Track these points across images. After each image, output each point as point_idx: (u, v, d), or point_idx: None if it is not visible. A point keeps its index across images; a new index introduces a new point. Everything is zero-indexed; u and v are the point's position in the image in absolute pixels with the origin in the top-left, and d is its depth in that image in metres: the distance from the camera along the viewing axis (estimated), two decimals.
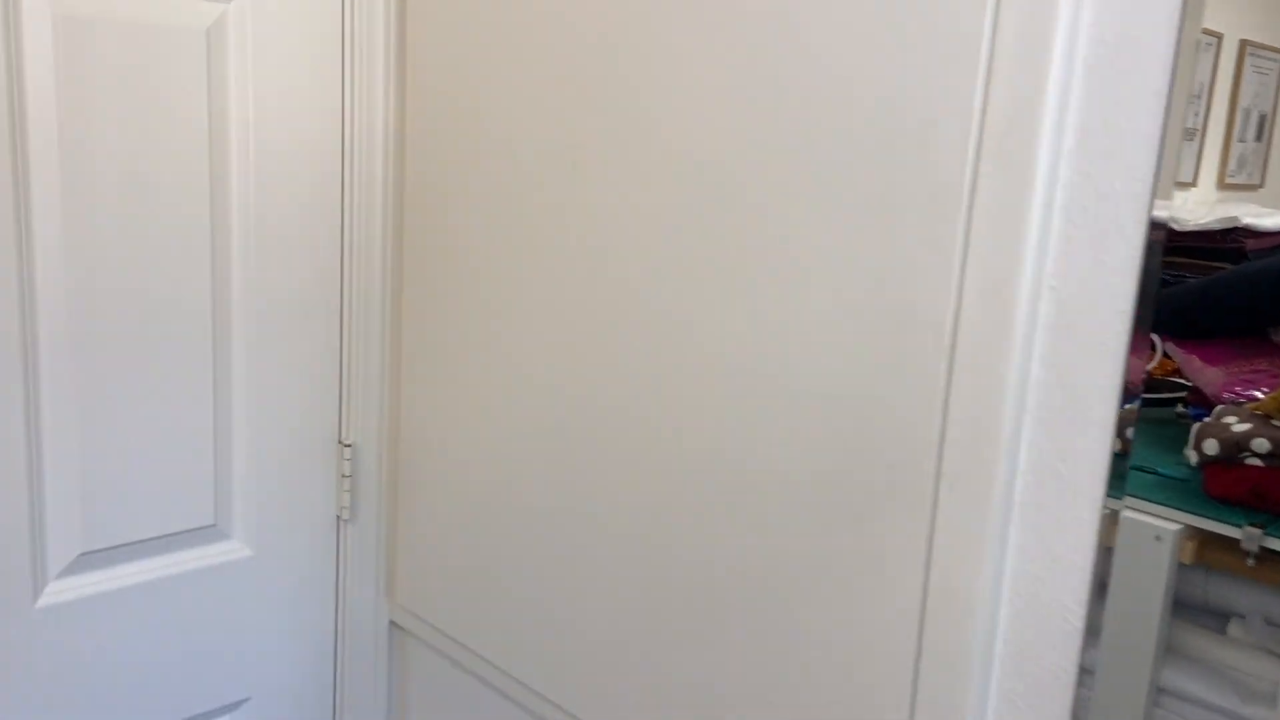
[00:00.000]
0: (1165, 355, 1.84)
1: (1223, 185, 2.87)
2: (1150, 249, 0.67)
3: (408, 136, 1.14)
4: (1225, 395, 1.68)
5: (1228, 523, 1.46)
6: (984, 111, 0.69)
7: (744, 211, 0.84)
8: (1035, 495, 0.71)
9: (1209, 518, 1.49)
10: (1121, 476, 0.72)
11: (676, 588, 0.93)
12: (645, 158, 0.91)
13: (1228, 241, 2.23)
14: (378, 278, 1.16)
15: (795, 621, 0.84)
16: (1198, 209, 2.40)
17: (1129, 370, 0.68)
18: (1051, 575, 0.71)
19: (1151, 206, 0.65)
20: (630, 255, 0.93)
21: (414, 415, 1.18)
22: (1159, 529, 1.53)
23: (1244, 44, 2.77)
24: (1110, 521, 0.73)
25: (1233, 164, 2.82)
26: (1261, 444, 1.45)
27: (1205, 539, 1.50)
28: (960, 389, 0.72)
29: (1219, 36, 2.71)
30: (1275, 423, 1.49)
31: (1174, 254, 2.17)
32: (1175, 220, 2.25)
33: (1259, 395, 1.64)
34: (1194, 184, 2.77)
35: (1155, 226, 0.68)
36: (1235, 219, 2.22)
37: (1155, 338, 1.80)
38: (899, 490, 0.76)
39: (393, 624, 1.26)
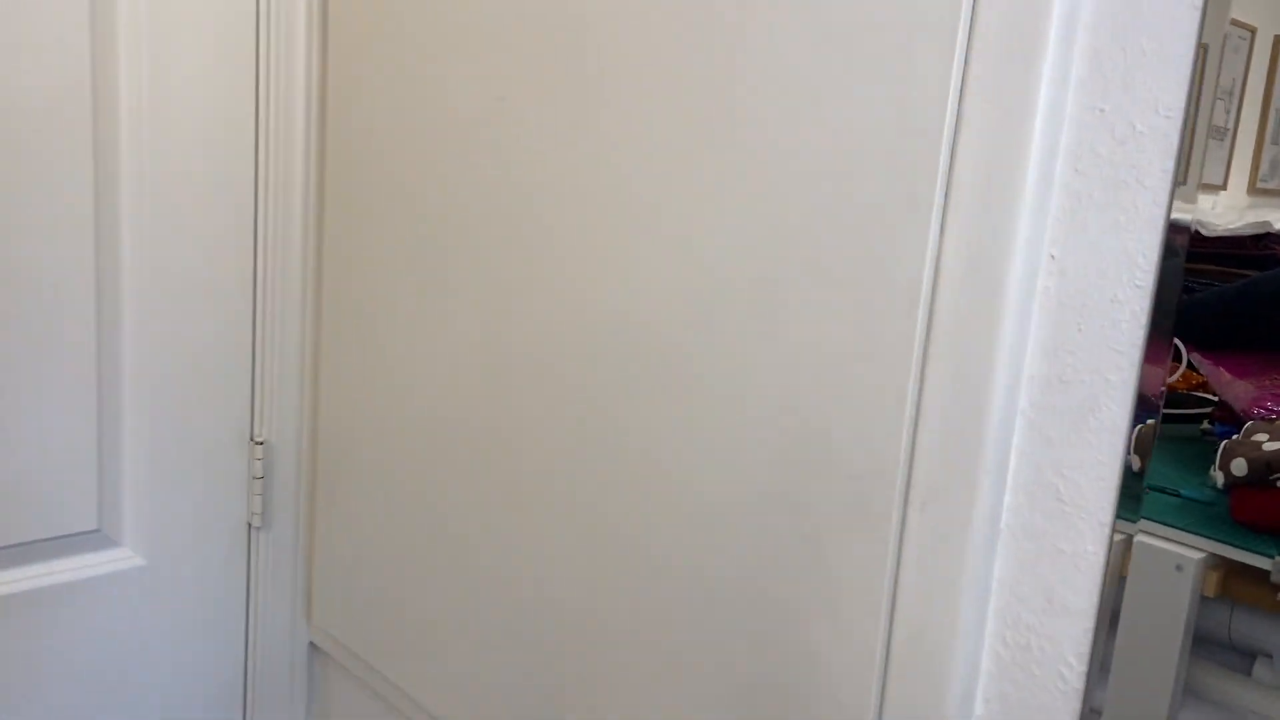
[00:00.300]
0: (1190, 366, 1.69)
1: (1253, 190, 2.70)
2: (1174, 216, 0.52)
3: (331, 92, 1.00)
4: (1256, 411, 1.52)
5: (1256, 552, 1.31)
6: (970, 29, 0.55)
7: (684, 182, 0.70)
8: (1027, 519, 0.57)
9: (1236, 546, 1.34)
10: (1137, 497, 0.59)
11: (606, 621, 0.79)
12: (585, 127, 0.77)
13: (1259, 248, 2.09)
14: (296, 254, 1.02)
15: (734, 664, 0.69)
16: (1227, 214, 2.25)
17: (1147, 364, 0.53)
18: (1046, 621, 0.56)
19: (1181, 152, 0.50)
20: (568, 238, 0.79)
21: (336, 411, 1.05)
22: (1180, 557, 1.38)
23: (1278, 40, 2.61)
24: (1124, 548, 0.59)
25: (1265, 168, 2.65)
26: None
27: (1231, 569, 1.35)
28: (936, 383, 0.58)
29: (1252, 31, 2.54)
30: None
31: (1201, 260, 2.03)
32: (1203, 224, 2.11)
33: None
34: (1223, 187, 2.61)
35: (1182, 188, 0.54)
36: (1268, 224, 2.07)
37: (1180, 346, 1.65)
38: (859, 508, 0.61)
39: (313, 646, 1.12)
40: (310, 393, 1.05)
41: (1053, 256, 0.55)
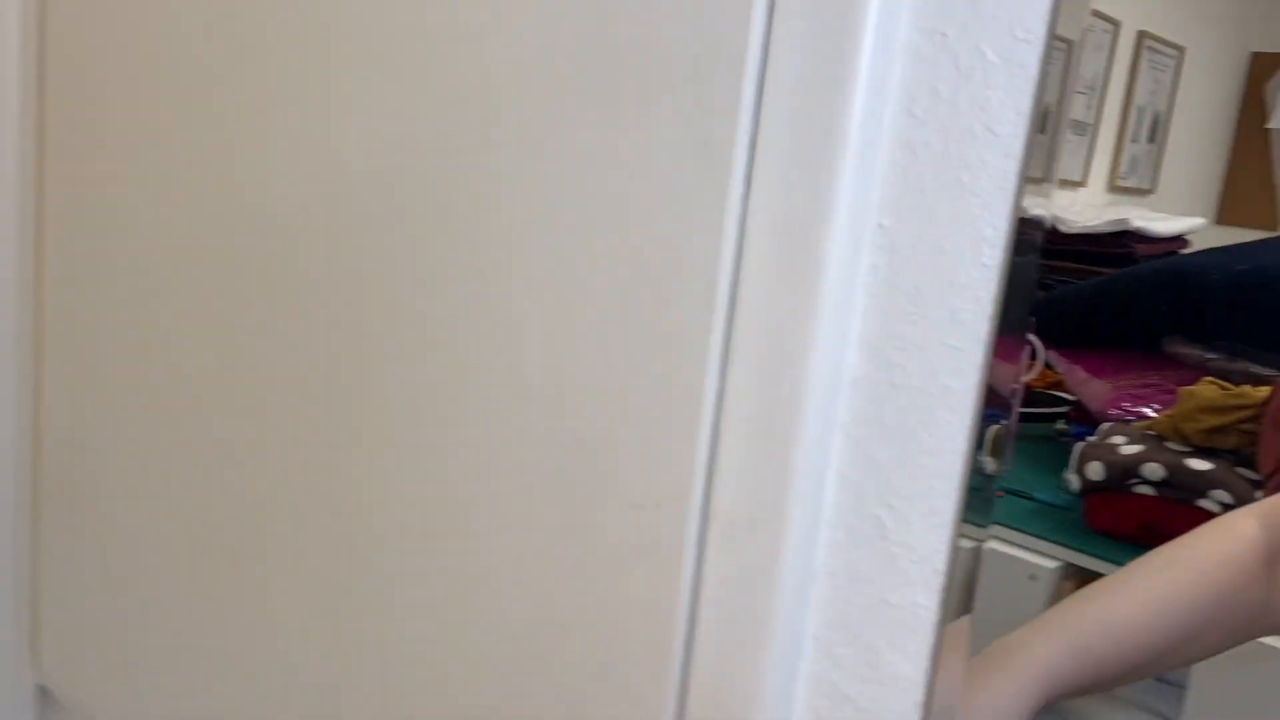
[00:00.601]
0: (1046, 364, 1.63)
1: (1113, 187, 2.72)
2: (1026, 161, 0.41)
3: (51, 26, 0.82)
4: (1112, 411, 1.47)
5: (1112, 561, 1.25)
6: None
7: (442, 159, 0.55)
8: (848, 561, 0.45)
9: (1091, 555, 1.27)
10: (987, 501, 0.48)
11: (351, 682, 0.64)
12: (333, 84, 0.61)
13: (1117, 246, 2.06)
14: (10, 222, 0.84)
15: None
16: (1086, 210, 2.23)
17: (998, 363, 0.42)
18: (867, 691, 0.44)
19: (1041, 84, 0.39)
20: (316, 218, 0.64)
21: (66, 408, 0.87)
22: (1034, 566, 1.31)
23: (1141, 36, 2.63)
24: (973, 558, 0.48)
25: (1125, 165, 2.67)
26: (1154, 470, 1.24)
27: (1087, 579, 1.29)
28: (738, 388, 0.45)
29: (1116, 24, 2.55)
30: (1170, 445, 1.28)
31: (1059, 257, 1.99)
32: (1061, 220, 2.07)
33: (1150, 413, 1.44)
34: (1083, 184, 2.60)
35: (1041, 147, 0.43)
36: (1125, 221, 2.04)
37: (1035, 342, 1.59)
38: (645, 543, 0.49)
39: (42, 691, 0.94)
40: (32, 387, 0.87)
41: (882, 226, 0.43)
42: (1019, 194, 0.39)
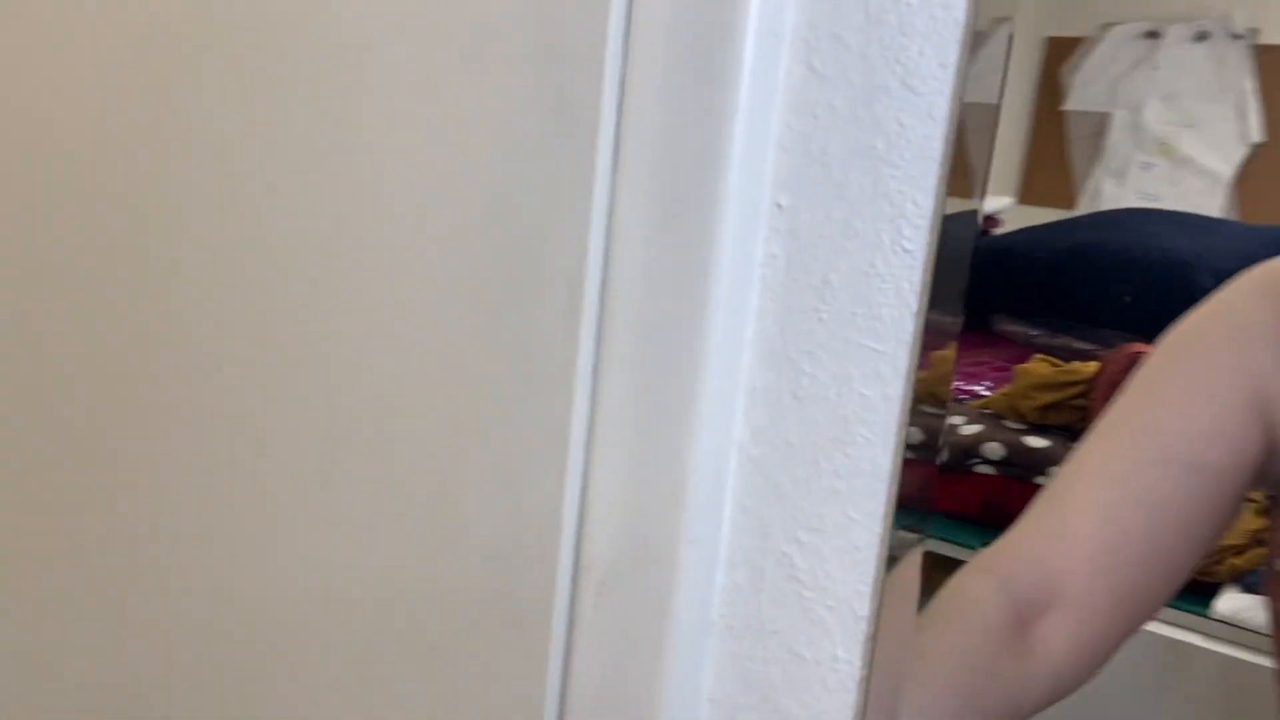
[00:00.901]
0: None
1: None
2: (953, 124, 0.35)
3: None
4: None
5: (957, 543, 1.25)
6: None
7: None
8: (751, 608, 0.38)
9: (937, 538, 1.27)
10: (924, 514, 0.42)
11: None
12: None
13: None
14: None
15: None
16: None
17: (925, 362, 0.35)
18: None
19: (967, 33, 0.33)
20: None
21: None
22: None
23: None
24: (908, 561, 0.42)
25: None
26: (994, 449, 1.24)
27: (933, 561, 1.27)
28: (613, 405, 0.37)
29: None
30: (1007, 423, 1.29)
31: None
32: None
33: (983, 391, 1.45)
34: None
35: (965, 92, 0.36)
36: None
37: None
38: (505, 601, 0.40)
39: None
40: None
41: (780, 206, 0.35)
42: (946, 162, 0.33)
